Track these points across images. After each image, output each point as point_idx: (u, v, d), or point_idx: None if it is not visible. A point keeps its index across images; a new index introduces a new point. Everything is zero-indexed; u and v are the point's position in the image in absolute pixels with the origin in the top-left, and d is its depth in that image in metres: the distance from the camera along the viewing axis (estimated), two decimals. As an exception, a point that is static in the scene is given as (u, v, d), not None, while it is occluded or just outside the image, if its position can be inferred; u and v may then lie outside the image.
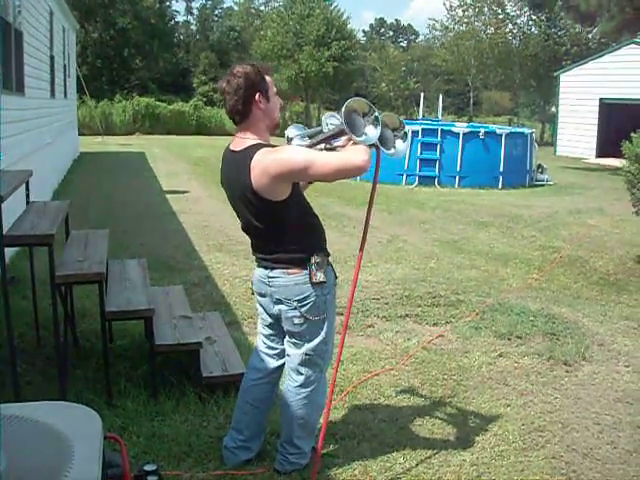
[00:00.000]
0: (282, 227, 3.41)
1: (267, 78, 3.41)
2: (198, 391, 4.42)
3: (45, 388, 4.47)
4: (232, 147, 3.45)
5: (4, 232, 4.08)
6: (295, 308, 3.46)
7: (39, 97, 11.99)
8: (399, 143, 3.49)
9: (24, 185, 5.26)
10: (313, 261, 3.41)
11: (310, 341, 3.53)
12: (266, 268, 3.50)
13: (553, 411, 4.52)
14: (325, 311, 3.51)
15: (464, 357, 5.44)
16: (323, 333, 3.54)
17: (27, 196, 5.39)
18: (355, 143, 3.26)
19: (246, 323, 6.01)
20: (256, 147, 3.29)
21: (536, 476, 3.72)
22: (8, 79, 8.47)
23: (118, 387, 4.49)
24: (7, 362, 4.26)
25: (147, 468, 2.22)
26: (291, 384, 3.64)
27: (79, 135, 23.12)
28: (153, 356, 4.48)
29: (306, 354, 3.55)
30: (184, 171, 16.58)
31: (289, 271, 3.42)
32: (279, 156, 3.23)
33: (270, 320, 3.67)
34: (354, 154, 3.24)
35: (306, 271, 3.41)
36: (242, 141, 3.38)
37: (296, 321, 3.48)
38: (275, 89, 3.47)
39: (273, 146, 3.33)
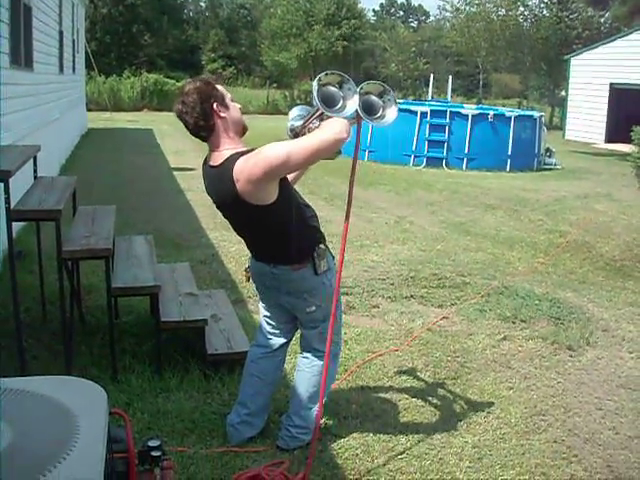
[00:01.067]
0: (278, 228, 3.42)
1: (218, 87, 3.39)
2: (203, 368, 4.45)
3: (51, 363, 4.50)
4: (210, 162, 3.41)
5: (11, 207, 4.10)
6: (306, 299, 3.52)
7: (48, 72, 11.96)
8: (390, 111, 3.32)
9: (32, 160, 5.26)
10: (316, 254, 3.45)
11: (324, 321, 3.59)
12: (268, 264, 3.51)
13: (556, 395, 4.53)
14: (332, 292, 3.55)
15: (468, 339, 5.45)
16: (335, 311, 3.60)
17: (35, 171, 5.39)
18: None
19: (251, 301, 6.02)
20: (234, 157, 3.25)
21: (537, 459, 3.73)
22: (17, 54, 8.45)
23: (123, 363, 4.52)
24: (13, 336, 4.30)
25: (151, 444, 2.23)
26: (307, 356, 3.73)
27: (87, 111, 23.09)
28: (158, 332, 4.51)
29: (321, 332, 3.62)
30: (191, 148, 16.50)
31: (294, 266, 3.45)
32: (259, 157, 3.18)
33: (273, 305, 3.72)
34: (330, 129, 3.20)
35: (310, 264, 3.45)
36: (219, 154, 3.35)
37: (308, 310, 3.56)
38: (230, 95, 3.44)
39: (250, 150, 3.29)
